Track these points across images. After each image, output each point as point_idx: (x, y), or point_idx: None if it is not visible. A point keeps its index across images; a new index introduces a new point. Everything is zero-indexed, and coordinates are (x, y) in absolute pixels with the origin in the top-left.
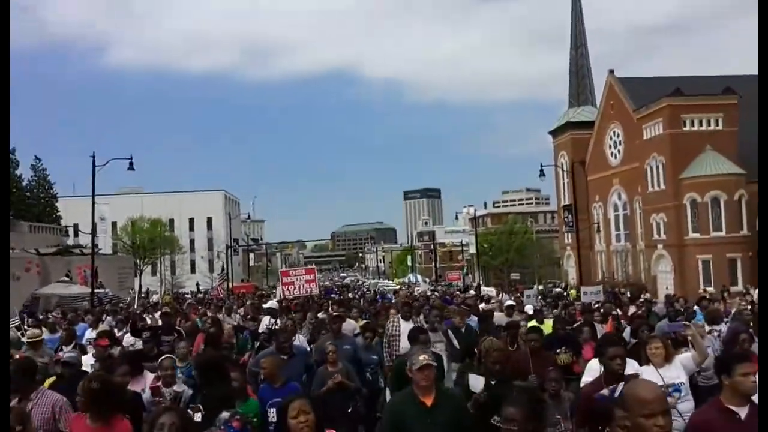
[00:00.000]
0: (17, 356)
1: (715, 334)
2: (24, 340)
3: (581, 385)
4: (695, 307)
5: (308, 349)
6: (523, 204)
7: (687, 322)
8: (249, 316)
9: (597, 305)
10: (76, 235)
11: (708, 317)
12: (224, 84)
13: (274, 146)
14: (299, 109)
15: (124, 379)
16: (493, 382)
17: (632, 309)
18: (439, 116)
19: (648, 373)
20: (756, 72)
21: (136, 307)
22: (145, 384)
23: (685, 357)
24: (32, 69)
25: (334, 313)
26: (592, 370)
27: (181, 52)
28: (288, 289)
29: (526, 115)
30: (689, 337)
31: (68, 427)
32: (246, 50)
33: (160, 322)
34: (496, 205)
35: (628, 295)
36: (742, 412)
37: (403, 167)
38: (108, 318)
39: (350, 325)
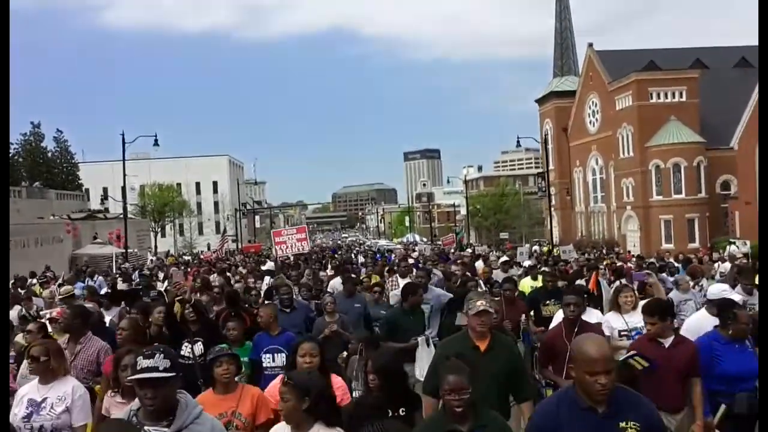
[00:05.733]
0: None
1: (697, 288)
2: (58, 297)
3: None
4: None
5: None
6: (523, 163)
7: (649, 272)
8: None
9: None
10: (88, 198)
11: (689, 273)
12: (222, 44)
13: (273, 108)
14: (298, 70)
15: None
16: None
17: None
18: (438, 75)
19: (614, 318)
20: (723, 44)
21: (115, 271)
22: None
23: None
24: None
25: (350, 275)
26: (557, 319)
27: (177, 11)
28: (281, 248)
29: (528, 73)
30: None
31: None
32: (244, 6)
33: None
34: (495, 165)
35: (619, 252)
36: (666, 342)
37: (404, 128)
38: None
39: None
